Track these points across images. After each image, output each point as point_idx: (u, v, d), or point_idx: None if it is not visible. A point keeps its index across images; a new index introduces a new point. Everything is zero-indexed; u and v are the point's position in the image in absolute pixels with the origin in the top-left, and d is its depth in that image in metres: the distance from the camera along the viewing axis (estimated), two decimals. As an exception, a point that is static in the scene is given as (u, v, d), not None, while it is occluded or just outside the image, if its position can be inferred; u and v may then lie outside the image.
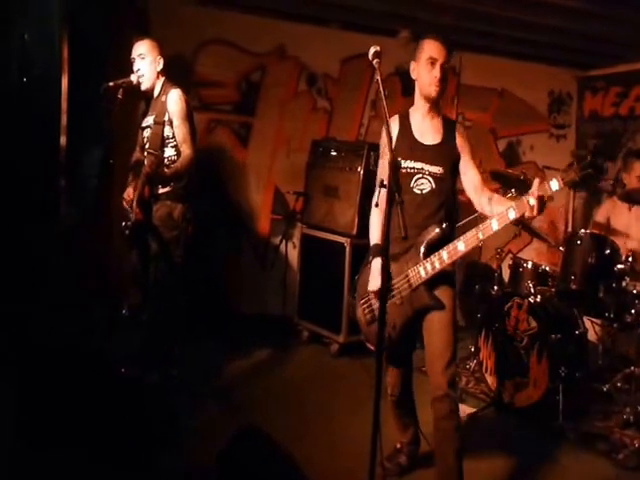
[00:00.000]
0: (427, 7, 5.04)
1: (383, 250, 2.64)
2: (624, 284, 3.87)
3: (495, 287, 4.73)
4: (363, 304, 3.06)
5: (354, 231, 4.94)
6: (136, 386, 3.74)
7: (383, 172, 2.85)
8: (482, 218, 2.95)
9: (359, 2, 5.04)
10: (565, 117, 6.87)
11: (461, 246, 2.71)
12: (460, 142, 2.94)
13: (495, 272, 4.86)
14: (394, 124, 3.01)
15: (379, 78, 2.36)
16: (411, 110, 3.03)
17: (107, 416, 3.15)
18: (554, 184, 2.53)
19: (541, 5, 4.74)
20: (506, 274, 4.85)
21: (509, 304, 4.15)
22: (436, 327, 2.85)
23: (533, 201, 2.56)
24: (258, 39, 5.59)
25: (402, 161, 2.90)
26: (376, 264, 2.88)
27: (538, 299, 4.08)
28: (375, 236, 2.98)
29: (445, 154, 2.92)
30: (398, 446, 3.36)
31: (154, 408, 3.64)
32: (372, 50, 2.38)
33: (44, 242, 2.28)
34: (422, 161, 2.91)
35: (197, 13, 5.24)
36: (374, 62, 2.37)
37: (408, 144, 2.95)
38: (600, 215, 4.89)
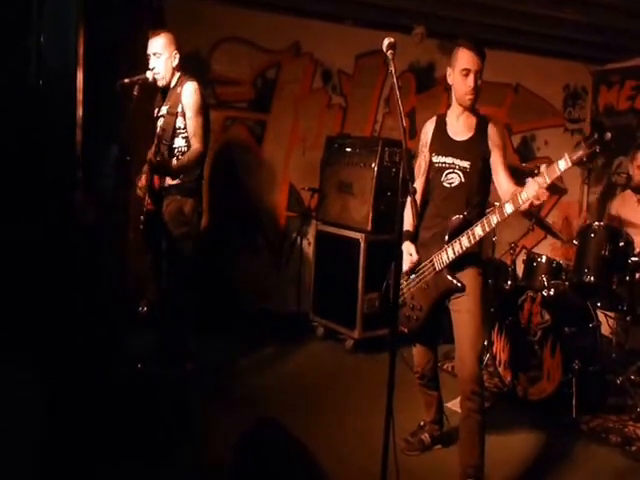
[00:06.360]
0: (441, 2, 5.06)
1: (411, 236, 3.09)
2: (638, 277, 3.87)
3: (509, 282, 4.74)
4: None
5: (369, 227, 4.96)
6: (152, 381, 3.80)
7: (416, 169, 3.18)
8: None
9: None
10: (580, 111, 6.85)
11: (479, 230, 2.86)
12: (492, 138, 3.04)
13: (509, 267, 4.87)
14: (431, 124, 3.22)
15: (393, 69, 2.37)
16: (449, 112, 3.18)
17: (123, 411, 3.21)
18: (562, 163, 2.57)
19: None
20: (520, 269, 4.86)
21: (523, 297, 4.15)
22: (463, 310, 3.00)
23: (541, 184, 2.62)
24: (273, 36, 5.63)
25: (435, 156, 3.12)
26: (405, 248, 3.10)
27: (552, 292, 4.08)
28: (406, 223, 3.14)
29: (475, 149, 3.04)
30: (421, 424, 3.54)
31: (170, 402, 3.69)
32: (386, 42, 2.40)
33: (66, 238, 2.33)
34: (452, 155, 3.07)
35: (213, 11, 5.28)
36: (388, 53, 2.39)
37: (441, 141, 3.14)
38: (613, 208, 4.87)
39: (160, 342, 4.01)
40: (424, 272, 3.09)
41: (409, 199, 3.07)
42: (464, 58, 2.97)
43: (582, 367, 3.84)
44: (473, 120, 3.09)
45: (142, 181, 3.85)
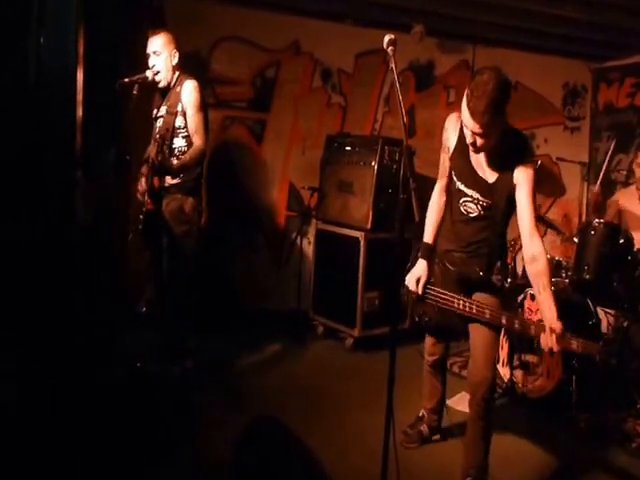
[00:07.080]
0: (440, 1, 5.06)
1: (430, 252, 3.06)
2: (638, 274, 3.86)
3: (508, 279, 4.73)
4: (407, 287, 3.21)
5: (368, 225, 4.97)
6: (152, 380, 3.80)
7: (441, 167, 3.08)
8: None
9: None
10: (580, 109, 6.82)
11: (487, 315, 2.81)
12: (518, 176, 2.76)
13: (508, 265, 4.86)
14: (454, 130, 2.96)
15: (393, 66, 2.35)
16: None
17: (123, 410, 3.21)
18: (574, 343, 2.58)
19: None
20: (520, 267, 4.85)
21: (522, 296, 4.17)
22: (480, 330, 2.94)
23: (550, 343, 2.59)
24: (273, 35, 5.63)
25: (455, 178, 2.99)
26: (419, 265, 3.09)
27: (552, 289, 4.07)
28: (427, 232, 3.11)
29: (499, 190, 2.84)
30: (421, 414, 3.55)
31: (170, 402, 3.70)
32: (387, 38, 2.36)
33: (66, 238, 2.34)
34: (473, 189, 2.91)
35: (213, 11, 5.29)
36: (389, 50, 2.36)
37: (462, 168, 2.94)
38: (614, 203, 4.86)
39: (160, 340, 4.02)
40: (436, 297, 3.03)
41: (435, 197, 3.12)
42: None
43: (581, 365, 3.84)
44: (499, 152, 2.78)
45: (142, 185, 3.86)
